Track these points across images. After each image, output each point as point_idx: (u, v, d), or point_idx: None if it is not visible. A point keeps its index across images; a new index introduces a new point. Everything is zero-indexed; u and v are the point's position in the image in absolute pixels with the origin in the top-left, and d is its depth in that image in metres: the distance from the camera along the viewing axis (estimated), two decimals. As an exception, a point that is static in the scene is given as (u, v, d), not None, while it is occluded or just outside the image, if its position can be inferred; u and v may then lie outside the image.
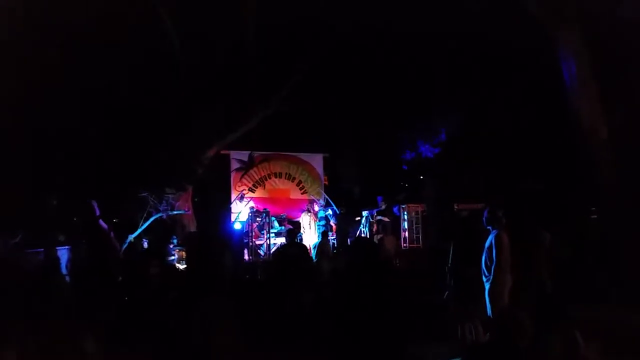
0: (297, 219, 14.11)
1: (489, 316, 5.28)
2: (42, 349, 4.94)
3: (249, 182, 14.80)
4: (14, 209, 9.42)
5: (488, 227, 5.40)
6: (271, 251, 12.38)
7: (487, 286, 5.22)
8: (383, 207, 13.47)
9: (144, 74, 11.61)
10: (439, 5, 11.22)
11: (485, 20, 10.88)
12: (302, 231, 13.32)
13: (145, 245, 10.13)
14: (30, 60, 9.80)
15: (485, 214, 5.46)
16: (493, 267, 5.13)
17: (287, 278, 6.97)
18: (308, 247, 11.59)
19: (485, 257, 5.27)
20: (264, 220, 12.85)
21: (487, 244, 5.28)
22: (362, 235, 13.45)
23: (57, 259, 8.13)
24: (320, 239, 11.80)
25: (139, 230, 11.19)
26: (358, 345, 5.53)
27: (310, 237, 13.42)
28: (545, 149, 12.23)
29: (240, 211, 13.16)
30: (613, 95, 8.97)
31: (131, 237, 10.63)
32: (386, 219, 13.31)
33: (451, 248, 5.78)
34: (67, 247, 8.77)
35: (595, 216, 10.25)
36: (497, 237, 5.21)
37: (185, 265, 10.01)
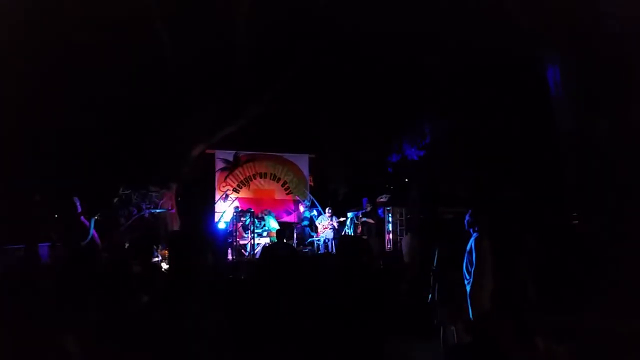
0: (281, 220, 14.08)
1: (471, 319, 5.32)
2: (21, 348, 4.86)
3: (234, 182, 14.74)
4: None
5: (469, 230, 5.43)
6: (256, 251, 12.33)
7: (467, 289, 5.26)
8: (368, 209, 13.52)
9: (132, 71, 11.51)
10: (427, 10, 11.29)
11: (473, 26, 10.97)
12: None
13: (126, 244, 10.02)
14: (13, 55, 9.66)
15: (467, 217, 5.49)
16: (473, 270, 5.17)
17: (276, 278, 6.95)
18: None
19: (467, 260, 5.31)
20: (249, 220, 12.79)
21: (468, 248, 5.32)
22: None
23: (38, 256, 8.03)
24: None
25: (121, 228, 11.09)
26: (342, 343, 5.54)
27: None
28: (529, 154, 12.35)
29: (225, 211, 13.10)
30: (598, 102, 9.08)
31: (114, 235, 10.55)
32: (371, 221, 13.36)
33: (435, 251, 5.80)
34: (47, 243, 8.65)
35: (577, 222, 10.35)
36: (477, 241, 5.24)
37: (167, 265, 9.93)
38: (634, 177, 7.89)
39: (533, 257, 5.95)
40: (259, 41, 12.52)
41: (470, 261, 5.24)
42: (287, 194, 15.30)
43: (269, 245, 11.60)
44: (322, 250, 13.03)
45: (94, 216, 8.89)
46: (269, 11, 11.76)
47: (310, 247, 13.79)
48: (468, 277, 5.25)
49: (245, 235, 12.72)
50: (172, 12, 11.53)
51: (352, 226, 13.52)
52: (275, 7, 11.68)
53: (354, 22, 12.07)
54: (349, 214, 13.66)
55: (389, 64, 13.07)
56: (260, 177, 15.20)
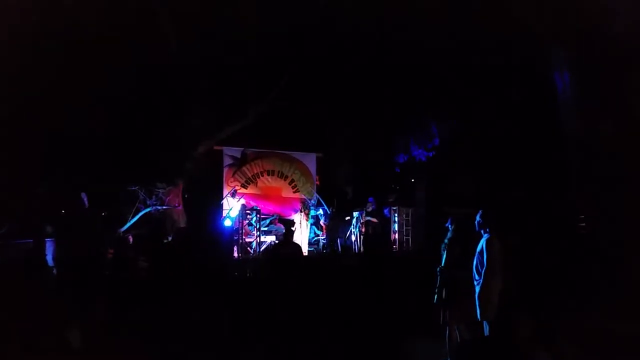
0: (289, 217, 14.08)
1: (477, 319, 5.31)
2: (27, 341, 4.89)
3: (241, 179, 14.75)
4: (1, 199, 9.32)
5: (480, 231, 5.41)
6: (261, 249, 12.35)
7: (477, 289, 5.24)
8: (372, 208, 13.49)
9: (138, 68, 11.52)
10: (435, 12, 11.24)
11: (481, 29, 10.91)
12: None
13: (130, 240, 10.05)
14: (20, 52, 9.69)
15: (477, 217, 5.47)
16: (483, 271, 5.15)
17: (280, 276, 6.97)
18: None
19: (477, 260, 5.29)
20: (255, 217, 12.81)
21: (478, 248, 5.30)
22: (353, 235, 13.47)
23: (44, 251, 8.05)
24: None
25: (127, 225, 11.12)
26: (351, 341, 5.55)
27: (301, 235, 13.43)
28: (536, 157, 12.28)
29: (231, 208, 13.12)
30: (605, 106, 9.02)
31: (120, 231, 10.57)
32: (375, 220, 13.32)
33: (442, 250, 5.79)
34: (54, 238, 8.67)
35: (584, 224, 10.29)
36: (488, 241, 5.21)
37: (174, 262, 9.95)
38: (638, 178, 7.83)
39: (523, 258, 5.95)
40: (266, 37, 12.50)
41: (480, 262, 5.22)
42: (295, 192, 15.27)
43: (275, 243, 11.61)
44: (327, 250, 13.05)
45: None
46: (276, 8, 11.74)
47: (315, 246, 13.81)
48: (478, 278, 5.23)
49: (251, 233, 12.74)
50: (178, 9, 11.53)
51: (357, 225, 13.50)
52: (282, 4, 11.66)
53: (363, 21, 12.03)
54: (355, 214, 13.65)
55: (398, 64, 13.03)
56: (268, 175, 15.18)
